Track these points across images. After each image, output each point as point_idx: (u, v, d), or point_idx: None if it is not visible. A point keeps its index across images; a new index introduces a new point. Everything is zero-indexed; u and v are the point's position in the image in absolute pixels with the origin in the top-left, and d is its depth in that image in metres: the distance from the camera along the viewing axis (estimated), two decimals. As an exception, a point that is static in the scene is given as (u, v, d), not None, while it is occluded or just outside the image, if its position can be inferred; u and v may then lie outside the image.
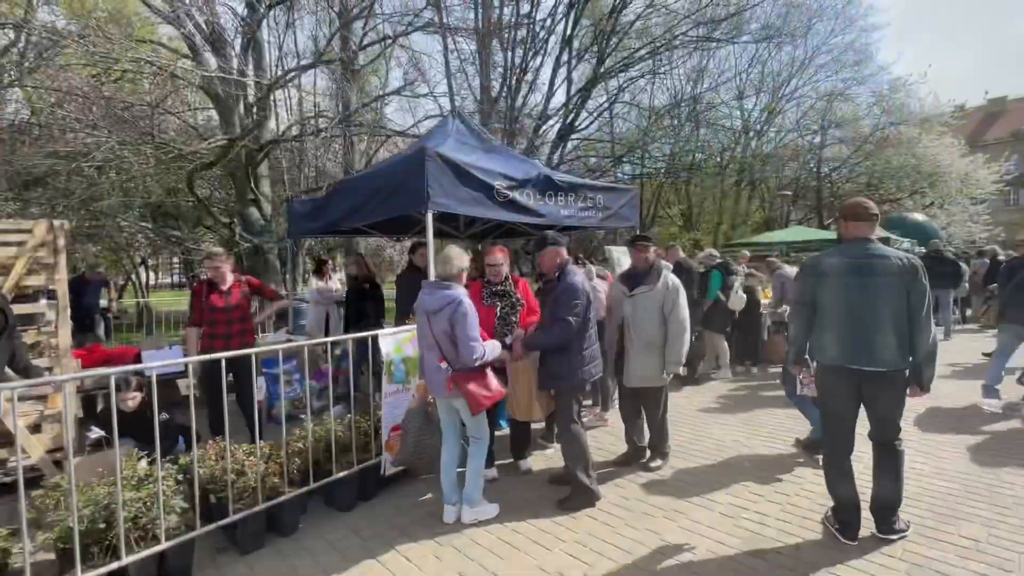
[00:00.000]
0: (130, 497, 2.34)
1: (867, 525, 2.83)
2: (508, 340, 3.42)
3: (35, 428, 3.61)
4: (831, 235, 13.30)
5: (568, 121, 15.80)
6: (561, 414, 3.33)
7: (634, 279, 3.84)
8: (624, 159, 17.73)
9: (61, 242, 3.62)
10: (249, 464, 2.83)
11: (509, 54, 14.86)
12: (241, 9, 9.98)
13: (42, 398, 3.86)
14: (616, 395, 4.52)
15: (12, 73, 12.43)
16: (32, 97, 11.56)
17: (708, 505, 3.32)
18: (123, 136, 8.34)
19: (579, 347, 3.23)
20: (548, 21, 14.87)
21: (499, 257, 3.73)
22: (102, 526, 2.21)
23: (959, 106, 39.96)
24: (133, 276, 21.48)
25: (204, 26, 9.21)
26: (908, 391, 2.67)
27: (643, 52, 15.71)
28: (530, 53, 14.91)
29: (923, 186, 22.90)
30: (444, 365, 2.77)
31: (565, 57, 15.30)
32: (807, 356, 2.91)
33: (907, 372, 2.65)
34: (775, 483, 3.60)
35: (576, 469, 3.24)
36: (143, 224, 11.00)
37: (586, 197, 5.16)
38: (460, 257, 2.80)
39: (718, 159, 22.74)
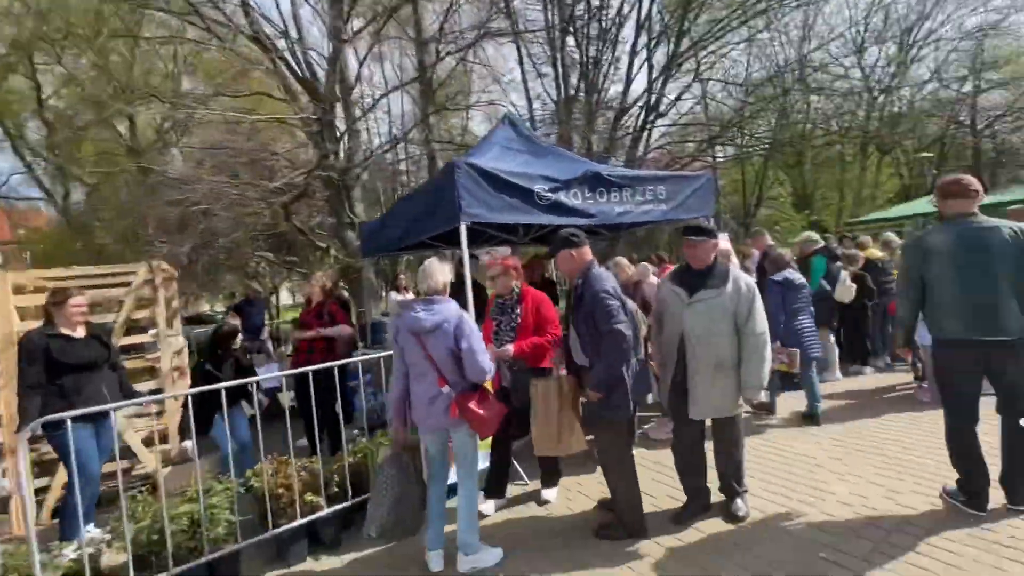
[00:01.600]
0: (183, 511, 2.59)
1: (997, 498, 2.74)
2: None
3: (149, 441, 4.18)
4: (1008, 197, 10.96)
5: (650, 108, 14.96)
6: (611, 448, 2.85)
7: (691, 281, 2.88)
8: (718, 141, 16.27)
9: (159, 280, 4.16)
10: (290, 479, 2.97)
11: (583, 50, 14.52)
12: (325, 45, 10.87)
13: (158, 414, 4.49)
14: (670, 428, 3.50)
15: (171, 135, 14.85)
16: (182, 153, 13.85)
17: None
18: (250, 179, 9.52)
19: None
20: (622, 8, 14.27)
21: (497, 268, 3.40)
22: (155, 537, 2.48)
23: None
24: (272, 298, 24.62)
25: (296, 67, 10.23)
26: None
27: (732, 20, 14.30)
28: (606, 46, 14.42)
29: None
30: (446, 389, 2.53)
31: (643, 41, 14.56)
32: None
33: None
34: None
35: (630, 518, 2.85)
36: (263, 254, 12.43)
37: (644, 191, 4.77)
38: (442, 271, 2.63)
39: (834, 126, 19.99)
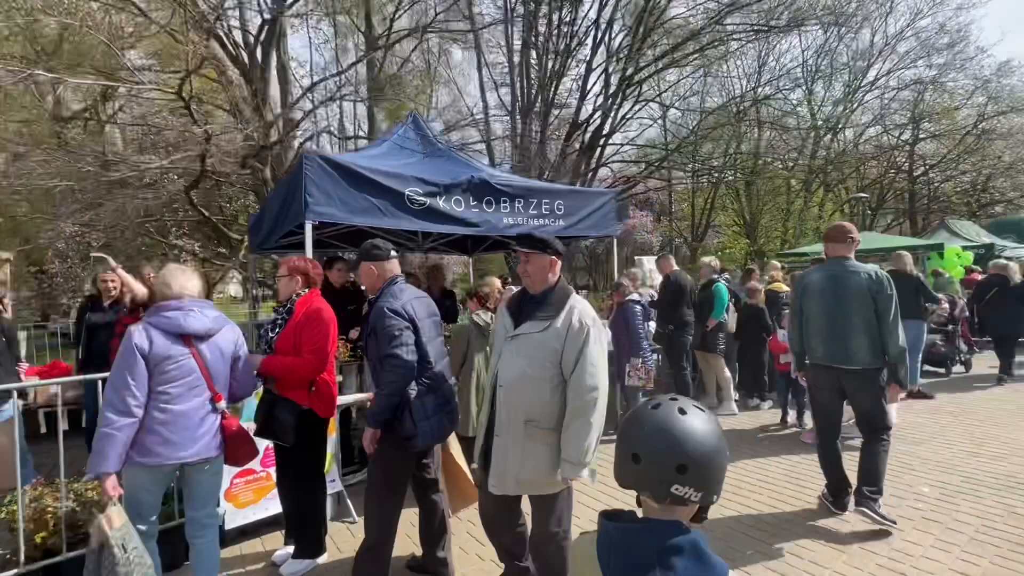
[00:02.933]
0: None
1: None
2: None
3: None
4: (902, 241, 11.43)
5: (600, 126, 14.99)
6: (377, 486, 2.31)
7: (523, 309, 2.15)
8: (672, 165, 16.46)
9: None
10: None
11: (542, 62, 14.46)
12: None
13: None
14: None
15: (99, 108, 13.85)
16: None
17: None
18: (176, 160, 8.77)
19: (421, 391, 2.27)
20: (581, 25, 14.29)
21: (281, 270, 2.66)
22: None
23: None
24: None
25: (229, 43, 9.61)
26: (888, 389, 3.00)
27: (687, 49, 14.52)
28: (564, 59, 14.40)
29: (1045, 182, 19.43)
30: (223, 404, 2.13)
31: (600, 59, 14.63)
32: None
33: (883, 371, 2.98)
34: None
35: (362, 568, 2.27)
36: (179, 242, 11.61)
37: (540, 203, 4.52)
38: (186, 275, 2.18)
39: (782, 161, 20.69)
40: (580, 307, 2.07)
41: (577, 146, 14.44)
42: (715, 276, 5.39)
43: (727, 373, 5.37)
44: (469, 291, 4.32)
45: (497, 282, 3.83)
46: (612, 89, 14.53)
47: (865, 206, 21.84)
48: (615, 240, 5.32)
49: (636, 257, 12.12)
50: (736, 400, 5.74)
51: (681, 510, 0.91)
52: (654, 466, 0.88)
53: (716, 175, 19.07)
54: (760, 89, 18.14)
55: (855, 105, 21.00)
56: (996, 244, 12.98)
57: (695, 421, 0.89)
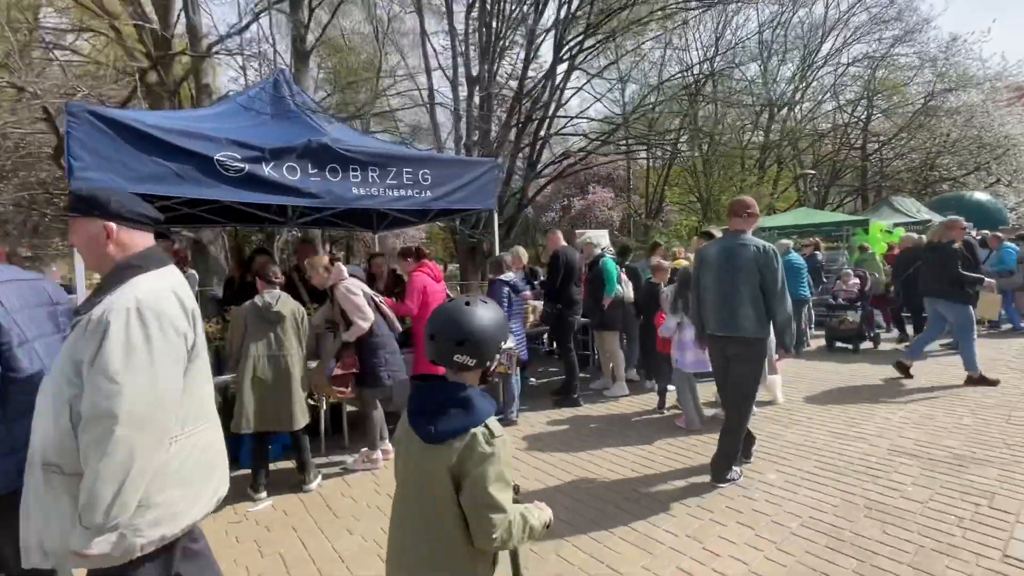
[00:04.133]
0: None
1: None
2: None
3: None
4: (841, 217, 11.42)
5: (549, 98, 14.47)
6: None
7: None
8: (622, 140, 16.07)
9: None
10: None
11: (487, 26, 13.74)
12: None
13: None
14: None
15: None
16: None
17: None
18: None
19: None
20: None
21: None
22: None
23: (1048, 69, 34.94)
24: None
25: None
26: (776, 355, 3.50)
27: (640, 15, 14.00)
28: (510, 22, 13.72)
29: (987, 161, 19.79)
30: None
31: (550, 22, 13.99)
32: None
33: (765, 341, 3.14)
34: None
35: None
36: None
37: (400, 173, 4.11)
38: None
39: (737, 137, 20.60)
40: (123, 295, 1.31)
41: (523, 119, 13.86)
42: (601, 252, 5.12)
43: (620, 353, 5.16)
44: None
45: (321, 260, 3.42)
46: (562, 55, 13.98)
47: (813, 183, 21.96)
48: (495, 214, 4.96)
49: (578, 231, 11.86)
50: (636, 380, 5.57)
51: (467, 375, 1.22)
52: (443, 342, 1.19)
53: (669, 149, 18.84)
54: (717, 61, 17.81)
55: (810, 80, 20.93)
56: (934, 220, 13.17)
57: (475, 310, 1.20)
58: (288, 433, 3.17)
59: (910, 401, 4.62)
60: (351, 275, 3.41)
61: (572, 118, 16.63)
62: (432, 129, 15.12)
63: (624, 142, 16.71)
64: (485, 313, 1.21)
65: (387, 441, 3.66)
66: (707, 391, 4.74)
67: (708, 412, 4.40)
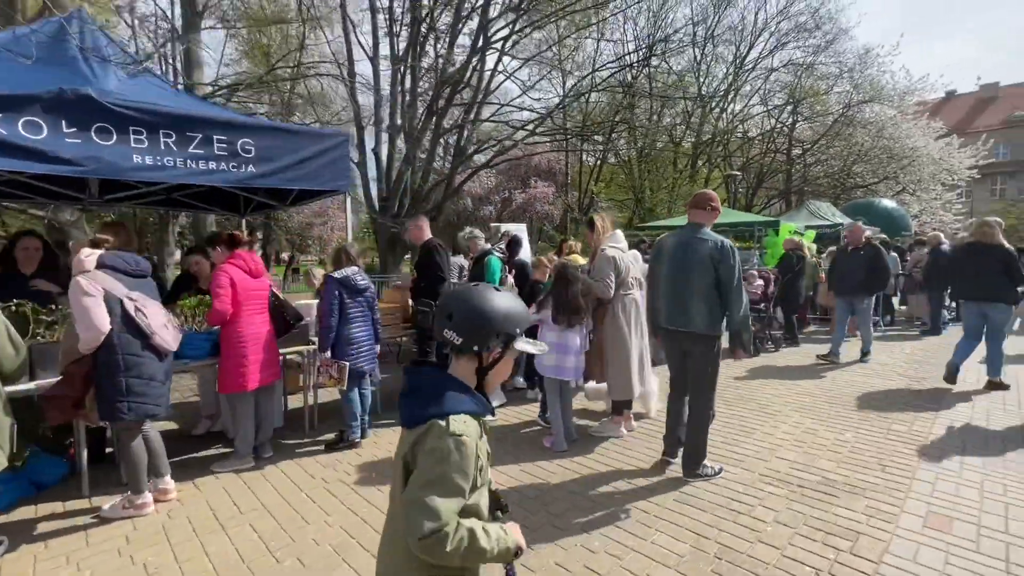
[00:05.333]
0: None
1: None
2: None
3: None
4: (754, 218, 11.51)
5: (476, 82, 13.79)
6: None
7: None
8: (544, 129, 15.60)
9: None
10: None
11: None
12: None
13: None
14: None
15: None
16: None
17: None
18: None
19: None
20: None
21: None
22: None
23: (949, 92, 38.09)
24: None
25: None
26: (733, 355, 3.17)
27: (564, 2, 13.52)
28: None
29: (895, 171, 21.04)
30: None
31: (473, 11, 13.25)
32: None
33: (717, 338, 3.07)
34: None
35: None
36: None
37: (210, 140, 3.31)
38: None
39: (669, 134, 20.78)
40: None
41: (444, 102, 13.05)
42: (487, 248, 4.54)
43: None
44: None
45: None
46: (491, 37, 13.29)
47: (741, 184, 22.58)
48: (347, 199, 4.22)
49: (492, 225, 11.30)
50: (521, 388, 5.05)
51: (460, 362, 1.14)
52: (440, 315, 1.14)
53: (600, 142, 18.68)
54: (652, 51, 17.71)
55: (741, 83, 21.40)
56: (845, 224, 13.63)
57: (482, 290, 1.14)
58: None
59: (797, 410, 4.35)
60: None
61: (503, 105, 16.07)
62: (353, 113, 14.10)
63: (561, 134, 16.28)
64: (490, 295, 1.13)
65: (166, 479, 2.89)
66: (580, 403, 4.27)
67: (634, 424, 3.94)
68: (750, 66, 20.96)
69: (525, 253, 5.62)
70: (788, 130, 23.07)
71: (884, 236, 12.46)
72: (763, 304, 6.72)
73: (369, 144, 13.65)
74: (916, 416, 4.16)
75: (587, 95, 18.50)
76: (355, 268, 3.55)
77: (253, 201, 5.50)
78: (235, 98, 10.95)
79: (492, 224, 10.22)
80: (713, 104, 21.07)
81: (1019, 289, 4.91)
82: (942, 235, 9.02)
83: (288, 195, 5.02)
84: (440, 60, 13.17)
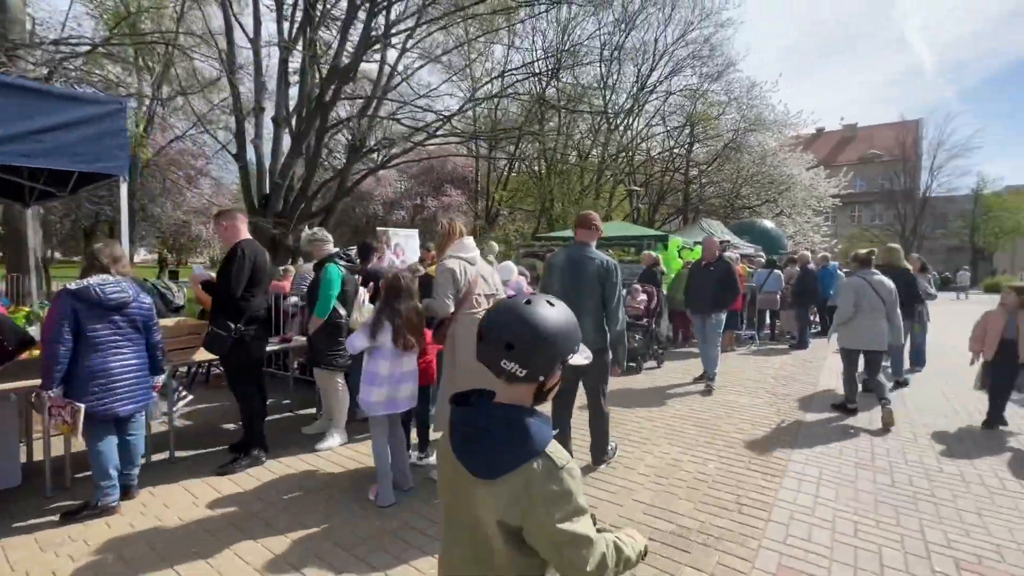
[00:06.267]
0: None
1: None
2: None
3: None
4: (643, 231, 11.73)
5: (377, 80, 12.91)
6: None
7: None
8: (447, 131, 14.98)
9: None
10: None
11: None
12: None
13: None
14: None
15: None
16: None
17: None
18: None
19: None
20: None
21: None
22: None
23: (819, 128, 43.08)
24: None
25: None
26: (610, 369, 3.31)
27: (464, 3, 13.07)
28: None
29: (774, 195, 23.03)
30: None
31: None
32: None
33: (605, 351, 3.22)
34: None
35: None
36: None
37: None
38: None
39: (577, 148, 21.16)
40: None
41: (333, 95, 11.97)
42: (332, 252, 3.79)
43: (341, 391, 3.84)
44: None
45: None
46: (391, 32, 12.43)
47: (644, 200, 23.56)
48: (123, 186, 3.27)
49: (379, 228, 10.46)
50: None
51: (519, 389, 1.02)
52: (491, 343, 0.99)
53: (511, 152, 18.49)
54: (560, 60, 17.80)
55: (643, 102, 22.34)
56: (732, 242, 14.42)
57: (537, 309, 0.99)
58: None
59: (666, 436, 4.08)
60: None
61: (405, 104, 15.21)
62: (231, 98, 12.56)
63: (460, 137, 15.75)
64: (549, 314, 1.00)
65: None
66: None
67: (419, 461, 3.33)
68: (651, 87, 21.95)
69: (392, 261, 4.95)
70: (686, 151, 24.48)
71: (763, 256, 13.33)
72: (645, 320, 6.58)
73: (253, 135, 12.24)
74: (778, 439, 4.05)
75: (496, 101, 18.31)
76: (107, 277, 2.65)
77: (35, 189, 4.33)
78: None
79: (379, 228, 9.40)
80: (618, 121, 21.77)
81: (917, 307, 5.74)
82: (809, 254, 9.64)
83: (69, 179, 3.93)
84: (331, 50, 12.11)
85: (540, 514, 0.92)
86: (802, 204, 22.58)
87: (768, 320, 10.03)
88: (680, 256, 9.51)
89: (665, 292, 7.92)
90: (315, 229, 3.83)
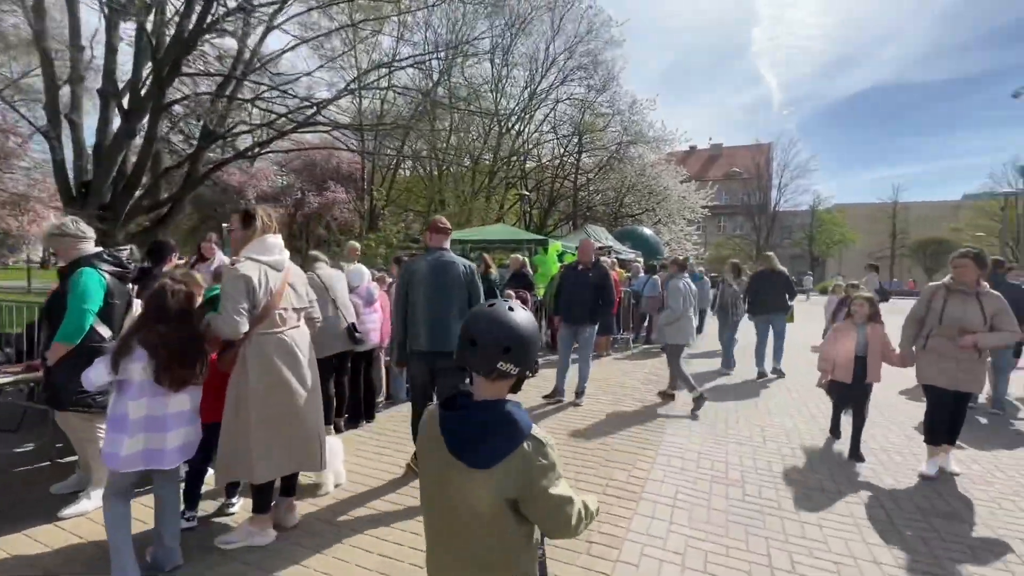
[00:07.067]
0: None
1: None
2: None
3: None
4: (523, 235, 11.65)
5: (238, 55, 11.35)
6: None
7: None
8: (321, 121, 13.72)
9: None
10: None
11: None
12: None
13: None
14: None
15: None
16: None
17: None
18: None
19: None
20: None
21: None
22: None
23: (692, 146, 47.47)
24: None
25: None
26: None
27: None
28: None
29: (653, 205, 24.60)
30: None
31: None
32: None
33: None
34: None
35: None
36: None
37: None
38: None
39: (469, 151, 20.81)
40: None
41: (171, 69, 10.23)
42: (88, 253, 2.84)
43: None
44: None
45: None
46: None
47: (535, 205, 23.90)
48: None
49: (211, 233, 9.17)
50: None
51: (502, 385, 1.15)
52: (488, 348, 1.10)
53: (396, 149, 17.58)
54: (450, 53, 17.28)
55: (534, 108, 22.66)
56: (614, 248, 14.91)
57: (518, 314, 1.14)
58: None
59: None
60: None
61: (274, 88, 13.63)
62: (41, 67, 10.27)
63: (354, 131, 14.54)
64: (525, 316, 1.16)
65: None
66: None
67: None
68: (542, 95, 22.32)
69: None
70: (576, 159, 25.29)
71: (641, 261, 13.92)
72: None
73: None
74: (638, 455, 3.86)
75: (383, 94, 17.30)
76: None
77: None
78: None
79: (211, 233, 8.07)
80: (510, 124, 21.81)
81: (790, 301, 6.84)
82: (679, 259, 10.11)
83: None
84: (176, 17, 10.36)
85: (536, 486, 1.10)
86: (676, 214, 24.37)
87: (647, 323, 10.37)
88: (561, 260, 9.46)
89: (539, 297, 7.74)
90: (64, 220, 2.83)
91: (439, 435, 1.15)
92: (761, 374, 6.72)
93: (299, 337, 2.62)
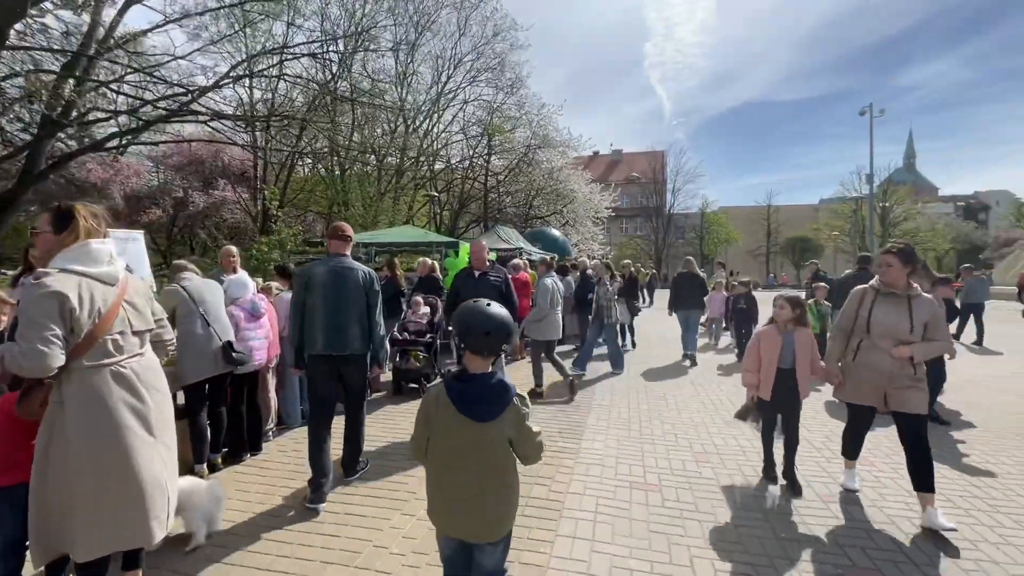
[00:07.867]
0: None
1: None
2: None
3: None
4: (434, 237, 11.29)
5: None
6: None
7: None
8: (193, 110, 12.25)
9: None
10: None
11: None
12: None
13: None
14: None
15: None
16: None
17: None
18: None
19: None
20: None
21: None
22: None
23: (595, 151, 49.63)
24: None
25: None
26: (371, 370, 3.45)
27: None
28: None
29: (561, 207, 25.20)
30: None
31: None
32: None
33: (367, 356, 3.40)
34: None
35: None
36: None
37: None
38: None
39: (374, 150, 19.84)
40: None
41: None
42: None
43: None
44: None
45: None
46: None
47: (446, 206, 23.43)
48: None
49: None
50: None
51: (490, 360, 1.71)
52: (500, 336, 1.68)
53: (290, 144, 16.24)
54: (348, 42, 16.23)
55: (442, 107, 22.19)
56: (524, 248, 14.93)
57: (504, 311, 1.73)
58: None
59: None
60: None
61: (139, 70, 11.89)
62: None
63: (211, 117, 13.02)
64: (506, 310, 1.75)
65: None
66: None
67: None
68: (450, 94, 21.93)
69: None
70: (485, 161, 25.17)
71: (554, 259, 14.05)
72: (429, 335, 5.88)
73: None
74: (557, 467, 3.70)
75: (274, 83, 15.90)
76: None
77: None
78: None
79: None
80: (417, 122, 21.15)
81: (703, 298, 8.07)
82: (587, 260, 10.31)
83: None
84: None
85: (524, 428, 1.69)
86: (583, 216, 25.18)
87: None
88: (473, 263, 9.21)
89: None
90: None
91: (448, 402, 1.66)
92: (686, 356, 7.85)
93: (143, 368, 2.07)
